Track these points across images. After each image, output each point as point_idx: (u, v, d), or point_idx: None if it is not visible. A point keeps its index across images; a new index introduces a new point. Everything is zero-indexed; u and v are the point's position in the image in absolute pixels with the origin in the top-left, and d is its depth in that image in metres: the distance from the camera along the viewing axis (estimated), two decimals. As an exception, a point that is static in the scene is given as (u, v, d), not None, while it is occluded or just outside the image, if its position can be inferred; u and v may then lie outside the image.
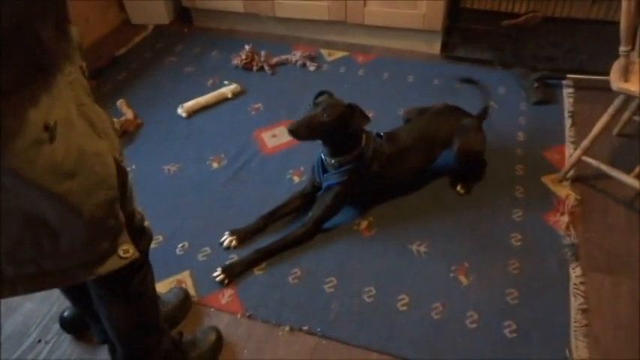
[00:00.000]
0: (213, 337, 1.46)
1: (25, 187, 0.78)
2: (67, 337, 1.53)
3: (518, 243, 1.75)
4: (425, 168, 1.93)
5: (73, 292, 1.27)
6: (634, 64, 1.69)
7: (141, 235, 1.06)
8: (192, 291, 1.63)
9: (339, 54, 2.80)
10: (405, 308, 1.57)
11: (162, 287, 1.61)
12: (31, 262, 0.87)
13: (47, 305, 1.62)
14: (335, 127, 1.64)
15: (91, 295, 1.12)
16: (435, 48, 2.78)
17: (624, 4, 1.55)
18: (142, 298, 1.16)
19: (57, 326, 1.54)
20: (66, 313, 1.52)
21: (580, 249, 1.72)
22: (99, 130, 0.87)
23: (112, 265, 0.94)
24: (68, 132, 0.80)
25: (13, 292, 0.90)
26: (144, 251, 1.11)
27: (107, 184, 0.88)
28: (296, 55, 2.73)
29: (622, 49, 1.64)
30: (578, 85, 2.45)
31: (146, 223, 1.10)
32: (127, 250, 0.95)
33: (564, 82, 2.48)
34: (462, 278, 1.65)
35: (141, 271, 1.12)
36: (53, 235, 0.85)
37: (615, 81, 1.68)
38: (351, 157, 1.73)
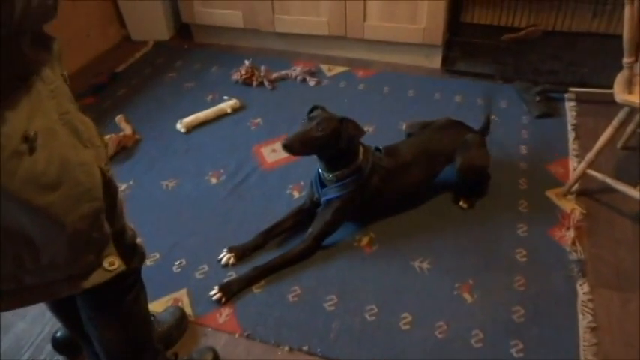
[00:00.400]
0: (209, 357, 1.42)
1: (4, 201, 0.75)
2: (59, 359, 1.49)
3: (524, 259, 1.71)
4: (426, 183, 1.90)
5: (63, 313, 1.23)
6: (637, 75, 1.67)
7: (133, 253, 1.03)
8: (188, 310, 1.59)
9: (339, 69, 2.79)
10: (407, 327, 1.52)
11: (158, 306, 1.58)
12: (11, 278, 0.84)
13: (40, 325, 1.58)
14: (329, 142, 1.63)
15: (81, 316, 1.09)
16: (436, 62, 2.77)
17: (626, 14, 1.54)
18: (135, 319, 1.13)
19: (50, 347, 1.50)
20: (59, 334, 1.48)
21: (587, 264, 1.68)
22: (84, 140, 0.84)
23: (97, 278, 0.90)
24: (50, 142, 0.77)
25: None
26: (136, 269, 1.08)
27: (92, 195, 0.84)
28: (296, 70, 2.72)
29: (625, 60, 1.62)
30: (580, 99, 2.43)
31: (138, 240, 1.07)
32: (112, 263, 0.92)
33: (566, 95, 2.46)
34: (466, 295, 1.61)
35: (133, 290, 1.09)
36: (35, 249, 0.82)
37: (619, 93, 1.66)
38: (349, 172, 1.70)
